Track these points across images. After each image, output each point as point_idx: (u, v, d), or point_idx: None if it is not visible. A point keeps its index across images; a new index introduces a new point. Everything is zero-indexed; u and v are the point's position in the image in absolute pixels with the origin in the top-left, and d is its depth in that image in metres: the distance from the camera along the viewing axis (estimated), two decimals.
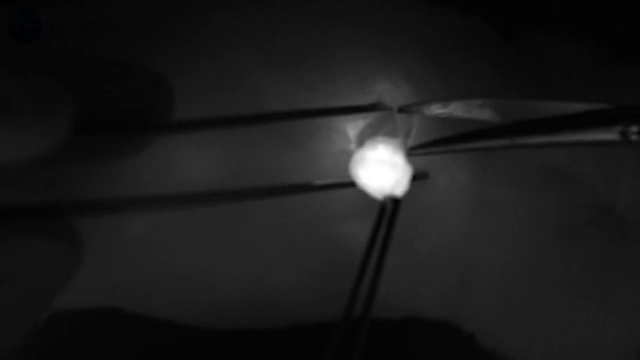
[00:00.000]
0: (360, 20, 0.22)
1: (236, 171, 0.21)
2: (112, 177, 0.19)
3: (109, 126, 0.18)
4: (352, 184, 0.21)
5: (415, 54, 0.22)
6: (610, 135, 0.16)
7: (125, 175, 0.20)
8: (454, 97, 0.20)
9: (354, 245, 0.23)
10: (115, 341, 0.25)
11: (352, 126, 0.22)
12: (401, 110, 0.21)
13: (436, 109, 0.20)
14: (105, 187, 0.19)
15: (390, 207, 0.20)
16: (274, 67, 0.21)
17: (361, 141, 0.22)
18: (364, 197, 0.22)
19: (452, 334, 0.24)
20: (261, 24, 0.21)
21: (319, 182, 0.22)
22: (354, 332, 0.17)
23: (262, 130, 0.21)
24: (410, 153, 0.21)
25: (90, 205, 0.16)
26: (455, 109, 0.19)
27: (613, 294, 0.23)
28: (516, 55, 0.23)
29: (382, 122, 0.22)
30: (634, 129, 0.15)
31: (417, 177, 0.21)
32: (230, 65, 0.21)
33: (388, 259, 0.24)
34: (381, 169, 0.20)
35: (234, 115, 0.20)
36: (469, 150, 0.19)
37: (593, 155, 0.22)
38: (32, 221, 0.15)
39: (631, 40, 0.22)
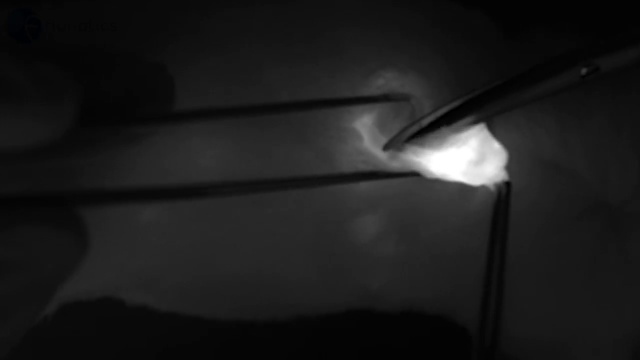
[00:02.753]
0: (366, 14, 0.21)
1: (247, 163, 0.21)
2: (121, 167, 0.19)
3: (117, 116, 0.18)
4: (374, 176, 0.21)
5: (421, 47, 0.22)
6: (571, 78, 0.18)
7: (134, 165, 0.20)
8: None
9: (361, 239, 0.23)
10: (121, 327, 0.25)
11: (364, 122, 0.22)
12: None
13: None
14: (114, 177, 0.19)
15: (504, 190, 0.20)
16: (281, 61, 0.21)
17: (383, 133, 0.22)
18: (374, 191, 0.22)
19: (446, 327, 0.25)
20: (267, 19, 0.21)
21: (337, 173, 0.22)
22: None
23: (272, 122, 0.21)
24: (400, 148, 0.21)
25: (99, 195, 0.16)
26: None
27: (607, 286, 0.23)
28: (518, 49, 0.23)
29: (398, 113, 0.22)
30: (584, 70, 0.17)
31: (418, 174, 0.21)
32: (236, 61, 0.21)
33: (387, 253, 0.24)
34: (489, 156, 0.20)
35: (244, 106, 0.19)
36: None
37: (586, 148, 0.22)
38: (39, 210, 0.15)
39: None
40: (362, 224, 0.23)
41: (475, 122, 0.19)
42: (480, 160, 0.20)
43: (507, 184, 0.20)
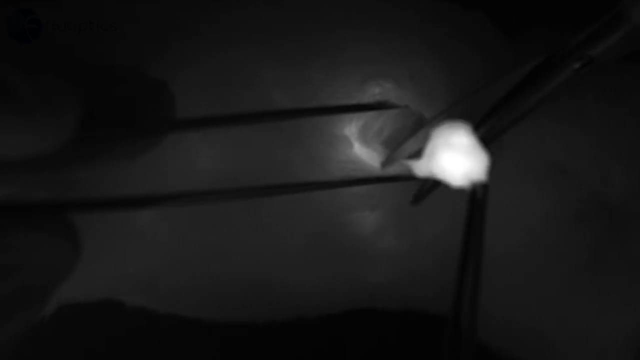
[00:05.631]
0: (364, 18, 0.21)
1: (242, 168, 0.21)
2: (118, 174, 0.20)
3: (113, 125, 0.18)
4: (367, 181, 0.21)
5: (419, 51, 0.22)
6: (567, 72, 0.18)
7: (131, 171, 0.20)
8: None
9: (360, 237, 0.23)
10: (119, 331, 0.25)
11: (354, 129, 0.22)
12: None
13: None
14: (112, 184, 0.19)
15: (481, 193, 0.19)
16: (278, 65, 0.21)
17: (371, 139, 0.22)
18: (371, 189, 0.22)
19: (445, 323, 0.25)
20: (265, 23, 0.21)
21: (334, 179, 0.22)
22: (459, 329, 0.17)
23: (267, 128, 0.21)
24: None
25: (95, 203, 0.16)
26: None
27: (608, 287, 0.23)
28: (519, 53, 0.23)
29: (391, 120, 0.22)
30: (577, 65, 0.18)
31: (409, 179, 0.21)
32: (233, 64, 0.21)
33: (386, 249, 0.24)
34: (467, 154, 0.19)
35: (240, 113, 0.19)
36: None
37: (588, 150, 0.22)
38: (36, 217, 0.15)
39: None
40: (360, 221, 0.23)
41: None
42: (462, 161, 0.19)
43: (485, 187, 0.19)
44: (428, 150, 0.19)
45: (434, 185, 0.20)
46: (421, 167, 0.19)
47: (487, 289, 0.22)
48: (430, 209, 0.23)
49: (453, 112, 0.19)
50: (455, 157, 0.18)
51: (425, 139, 0.19)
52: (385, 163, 0.21)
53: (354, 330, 0.25)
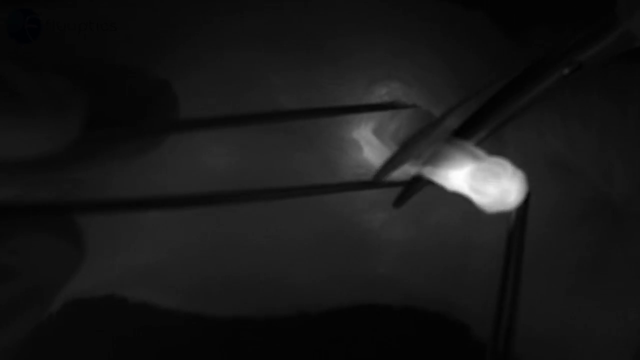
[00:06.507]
0: (369, 22, 0.21)
1: (249, 170, 0.21)
2: (124, 175, 0.19)
3: (115, 124, 0.18)
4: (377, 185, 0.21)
5: (423, 52, 0.22)
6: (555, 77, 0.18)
7: (136, 172, 0.20)
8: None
9: (364, 235, 0.23)
10: (123, 327, 0.25)
11: (363, 132, 0.22)
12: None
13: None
14: (117, 186, 0.19)
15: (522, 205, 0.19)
16: (284, 70, 0.21)
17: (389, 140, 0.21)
18: (377, 191, 0.22)
19: (446, 325, 0.25)
20: (271, 25, 0.21)
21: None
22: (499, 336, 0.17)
23: (274, 130, 0.21)
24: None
25: (100, 204, 0.16)
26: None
27: (610, 286, 0.23)
28: (522, 52, 0.22)
29: (406, 121, 0.21)
30: (566, 70, 0.17)
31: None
32: (238, 66, 0.21)
33: (393, 241, 0.24)
34: (510, 189, 0.18)
35: (248, 113, 0.19)
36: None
37: (591, 148, 0.22)
38: (39, 218, 0.15)
39: None
40: (364, 220, 0.23)
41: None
42: (499, 187, 0.19)
43: (527, 194, 0.19)
44: (467, 179, 0.18)
45: (419, 189, 0.20)
46: (455, 183, 0.19)
47: (487, 287, 0.22)
48: (434, 208, 0.23)
49: (442, 123, 0.19)
50: (502, 199, 0.18)
51: (415, 151, 0.19)
52: (378, 176, 0.19)
53: (356, 327, 0.26)
